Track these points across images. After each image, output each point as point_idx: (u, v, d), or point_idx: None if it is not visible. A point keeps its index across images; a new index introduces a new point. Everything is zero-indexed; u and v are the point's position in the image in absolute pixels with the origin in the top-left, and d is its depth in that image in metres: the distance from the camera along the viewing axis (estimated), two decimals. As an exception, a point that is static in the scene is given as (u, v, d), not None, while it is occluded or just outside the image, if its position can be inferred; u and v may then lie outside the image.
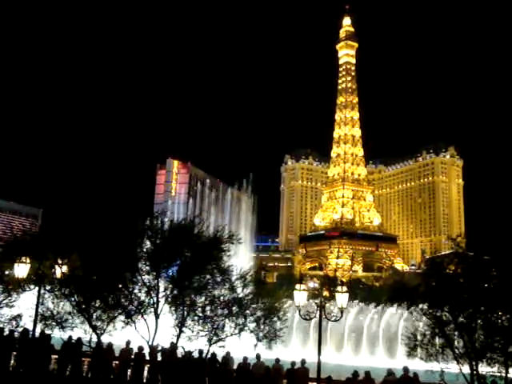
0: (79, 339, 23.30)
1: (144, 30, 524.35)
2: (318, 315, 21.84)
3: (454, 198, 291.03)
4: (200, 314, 25.48)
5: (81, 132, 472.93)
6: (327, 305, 23.18)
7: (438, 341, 22.09)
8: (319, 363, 20.82)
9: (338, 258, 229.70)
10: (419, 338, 22.36)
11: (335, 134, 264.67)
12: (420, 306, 22.60)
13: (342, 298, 21.90)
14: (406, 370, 20.97)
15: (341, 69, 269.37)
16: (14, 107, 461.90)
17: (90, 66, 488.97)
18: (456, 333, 21.67)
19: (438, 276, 22.64)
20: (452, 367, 21.25)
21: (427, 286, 23.06)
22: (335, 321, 22.99)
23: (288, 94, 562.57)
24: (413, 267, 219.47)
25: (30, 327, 23.41)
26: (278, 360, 22.65)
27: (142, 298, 25.69)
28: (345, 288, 22.19)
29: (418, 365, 22.07)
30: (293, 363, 22.43)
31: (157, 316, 25.53)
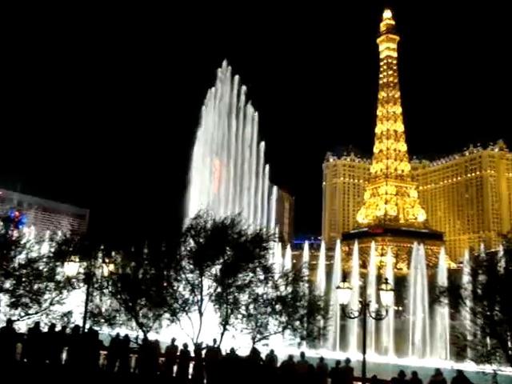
0: (127, 336, 23.87)
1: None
2: (362, 313, 21.54)
3: (504, 193, 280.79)
4: (243, 312, 25.59)
5: (127, 133, 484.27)
6: (371, 303, 22.83)
7: (489, 341, 21.32)
8: (364, 362, 20.54)
9: (381, 255, 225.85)
10: (469, 338, 21.65)
11: (377, 130, 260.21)
12: (469, 304, 21.90)
13: (386, 296, 21.52)
14: (438, 371, 20.27)
15: (382, 63, 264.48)
16: (60, 112, 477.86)
17: (145, 68, 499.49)
18: (509, 333, 20.84)
19: (488, 274, 21.86)
20: (506, 369, 20.46)
21: (476, 284, 22.30)
22: (380, 319, 22.65)
23: (328, 90, 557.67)
24: (460, 265, 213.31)
25: (81, 323, 24.17)
26: (322, 358, 22.47)
27: (187, 296, 26.04)
28: (389, 286, 21.79)
29: (468, 366, 21.39)
30: (337, 362, 22.19)
31: (201, 314, 25.84)
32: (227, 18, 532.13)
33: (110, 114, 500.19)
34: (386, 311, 21.85)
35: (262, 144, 66.76)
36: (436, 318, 53.49)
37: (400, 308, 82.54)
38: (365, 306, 21.71)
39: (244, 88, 67.91)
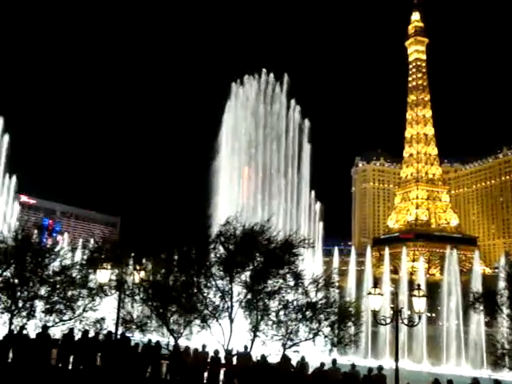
0: (158, 342, 24.09)
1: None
2: (394, 320, 21.17)
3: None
4: (274, 319, 25.49)
5: (156, 143, 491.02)
6: (403, 309, 22.43)
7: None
8: (397, 370, 20.15)
9: (413, 260, 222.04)
10: (507, 346, 21.00)
11: (407, 134, 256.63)
12: (506, 311, 21.27)
13: (419, 302, 21.10)
14: (475, 380, 19.70)
15: (411, 66, 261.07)
16: (92, 123, 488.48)
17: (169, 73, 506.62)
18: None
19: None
20: None
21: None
22: (412, 326, 22.21)
23: (355, 94, 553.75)
24: (496, 270, 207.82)
25: (113, 330, 24.52)
26: (354, 366, 22.18)
27: (217, 303, 26.12)
28: (422, 292, 21.37)
29: (506, 375, 20.77)
30: (370, 369, 21.86)
31: (231, 320, 25.86)
32: (252, 23, 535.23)
33: (140, 124, 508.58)
34: (419, 318, 21.40)
35: (307, 148, 65.75)
36: (471, 325, 52.18)
37: (433, 315, 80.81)
38: (397, 312, 21.34)
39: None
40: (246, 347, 24.14)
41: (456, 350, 52.37)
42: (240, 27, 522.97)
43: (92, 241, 29.88)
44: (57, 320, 25.85)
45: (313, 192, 65.40)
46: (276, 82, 66.48)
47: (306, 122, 65.82)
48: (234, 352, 24.07)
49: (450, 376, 21.65)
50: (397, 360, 20.31)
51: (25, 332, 24.25)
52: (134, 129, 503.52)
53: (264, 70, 66.66)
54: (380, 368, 21.57)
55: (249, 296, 25.84)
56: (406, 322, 21.84)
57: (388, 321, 21.93)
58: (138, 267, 25.81)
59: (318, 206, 65.18)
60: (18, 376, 21.96)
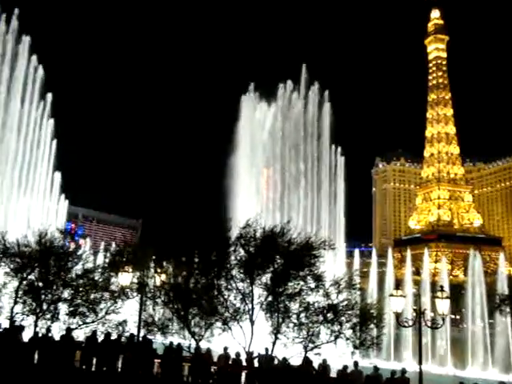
0: (179, 345, 24.20)
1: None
2: (417, 322, 20.89)
3: None
4: (295, 321, 25.40)
5: (175, 146, 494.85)
6: (426, 311, 22.13)
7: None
8: (421, 373, 19.91)
9: (435, 261, 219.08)
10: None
11: (427, 133, 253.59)
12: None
13: (442, 304, 20.79)
14: None
15: (431, 64, 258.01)
16: (112, 126, 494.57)
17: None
18: None
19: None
20: None
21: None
22: (436, 328, 21.89)
23: (374, 94, 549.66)
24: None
25: (135, 332, 24.72)
26: (376, 368, 21.95)
27: (238, 305, 26.13)
28: (445, 293, 21.06)
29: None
30: (393, 372, 21.60)
31: (252, 323, 25.84)
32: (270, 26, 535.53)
33: (159, 126, 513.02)
34: (443, 320, 21.09)
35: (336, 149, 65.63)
36: (497, 327, 51.18)
37: (457, 317, 79.59)
38: (420, 314, 21.07)
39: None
40: (266, 349, 24.08)
41: (482, 352, 51.41)
42: (260, 25, 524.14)
43: (113, 244, 30.20)
44: (80, 322, 26.16)
45: (342, 194, 65.26)
46: (295, 85, 66.58)
47: (329, 121, 65.58)
48: (256, 354, 24.04)
49: (476, 380, 21.28)
50: (420, 363, 20.06)
51: (49, 334, 24.62)
52: (152, 132, 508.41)
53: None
54: (403, 371, 21.28)
55: (269, 298, 25.80)
56: (429, 324, 21.53)
57: (410, 323, 21.65)
58: (159, 270, 25.98)
59: (341, 207, 64.92)
60: (43, 377, 22.30)
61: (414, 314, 21.47)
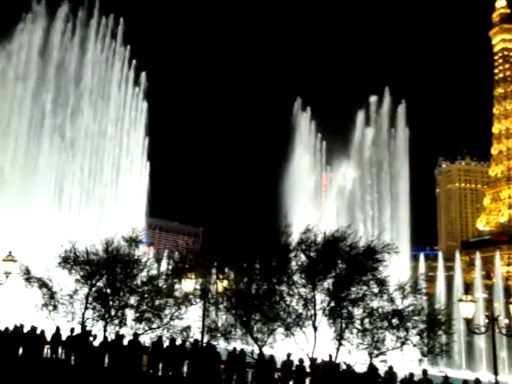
0: (242, 350, 24.31)
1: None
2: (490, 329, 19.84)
3: None
4: (359, 327, 24.84)
5: (232, 151, 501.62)
6: (500, 317, 20.99)
7: None
8: None
9: (508, 264, 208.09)
10: None
11: (495, 130, 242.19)
12: None
13: (517, 310, 19.64)
14: None
15: (497, 57, 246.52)
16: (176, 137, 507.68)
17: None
18: None
19: None
20: None
21: None
22: (511, 336, 20.70)
23: (435, 93, 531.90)
24: None
25: (199, 338, 25.11)
26: (446, 377, 21.08)
27: (300, 311, 25.90)
28: (520, 299, 19.89)
29: None
30: (465, 382, 20.62)
31: (315, 328, 25.52)
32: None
33: (218, 135, 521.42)
34: (518, 326, 19.92)
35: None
36: None
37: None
38: (493, 320, 20.01)
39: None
40: (330, 356, 23.71)
41: None
42: (317, 34, 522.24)
43: (176, 251, 30.86)
44: (146, 328, 26.88)
45: (406, 196, 63.99)
46: None
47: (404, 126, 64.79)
48: (319, 361, 23.73)
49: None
50: (496, 373, 19.00)
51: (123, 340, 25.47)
52: (212, 140, 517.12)
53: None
54: (477, 381, 20.22)
55: (332, 304, 25.38)
56: (503, 331, 20.40)
57: (483, 330, 20.61)
58: (220, 276, 26.27)
59: (405, 209, 63.51)
60: (112, 380, 23.11)
61: (487, 321, 20.41)
